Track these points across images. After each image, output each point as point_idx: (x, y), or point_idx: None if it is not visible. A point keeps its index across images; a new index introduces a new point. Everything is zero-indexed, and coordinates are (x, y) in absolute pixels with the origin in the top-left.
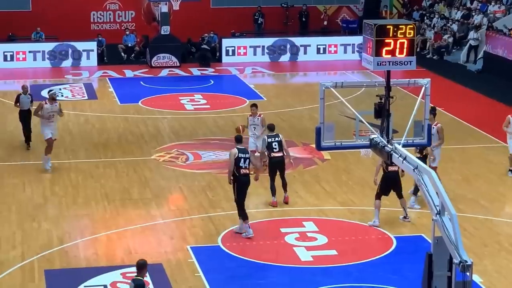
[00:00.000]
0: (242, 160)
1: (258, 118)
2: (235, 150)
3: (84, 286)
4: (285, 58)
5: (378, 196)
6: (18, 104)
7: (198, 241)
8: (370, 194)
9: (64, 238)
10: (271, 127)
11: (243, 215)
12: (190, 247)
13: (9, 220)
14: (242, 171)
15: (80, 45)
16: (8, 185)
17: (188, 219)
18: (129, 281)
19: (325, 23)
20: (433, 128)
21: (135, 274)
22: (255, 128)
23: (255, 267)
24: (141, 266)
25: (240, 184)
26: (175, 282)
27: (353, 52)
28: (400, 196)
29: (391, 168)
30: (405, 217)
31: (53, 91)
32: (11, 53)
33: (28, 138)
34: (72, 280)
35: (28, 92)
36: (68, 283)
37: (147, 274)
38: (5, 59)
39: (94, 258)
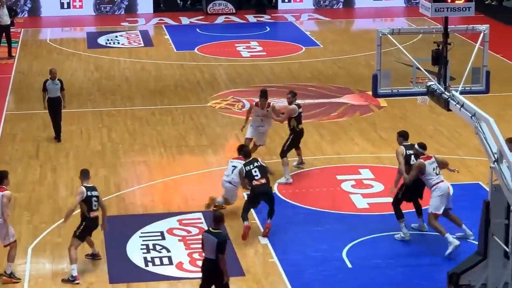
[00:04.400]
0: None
1: (267, 110)
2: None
3: (141, 233)
4: (341, 4)
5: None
6: (46, 91)
7: None
8: (427, 142)
9: (121, 185)
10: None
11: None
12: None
13: (67, 167)
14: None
15: None
16: (66, 132)
17: None
18: (204, 234)
19: None
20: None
21: (211, 227)
22: (262, 119)
23: (311, 214)
24: (219, 219)
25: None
26: (231, 228)
27: None
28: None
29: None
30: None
31: None
32: (68, 1)
33: (57, 132)
34: (129, 226)
35: (57, 77)
36: (125, 230)
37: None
38: (62, 6)
39: (150, 205)
